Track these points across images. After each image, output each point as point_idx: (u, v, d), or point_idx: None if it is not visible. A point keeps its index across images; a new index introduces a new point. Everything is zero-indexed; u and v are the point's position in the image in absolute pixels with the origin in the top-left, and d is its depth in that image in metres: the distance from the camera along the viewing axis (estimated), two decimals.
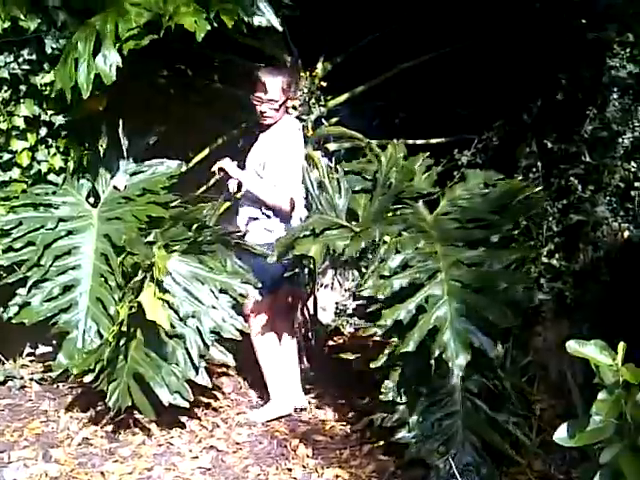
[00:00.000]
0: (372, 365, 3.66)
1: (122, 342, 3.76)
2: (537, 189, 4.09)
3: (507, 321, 3.45)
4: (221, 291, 3.94)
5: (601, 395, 1.94)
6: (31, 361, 4.58)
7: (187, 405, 3.85)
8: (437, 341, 3.37)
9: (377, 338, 4.87)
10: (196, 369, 3.85)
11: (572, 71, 4.33)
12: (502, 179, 4.07)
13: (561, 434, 1.97)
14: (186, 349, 3.85)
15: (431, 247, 3.63)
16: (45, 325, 4.11)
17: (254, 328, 4.12)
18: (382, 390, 3.63)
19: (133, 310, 3.62)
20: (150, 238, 3.94)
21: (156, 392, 3.77)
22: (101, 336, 3.96)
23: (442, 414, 3.58)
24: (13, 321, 4.05)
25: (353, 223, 3.92)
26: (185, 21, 3.69)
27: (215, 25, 3.72)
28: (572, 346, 1.98)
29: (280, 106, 4.06)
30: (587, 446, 1.97)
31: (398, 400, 3.62)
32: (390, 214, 3.92)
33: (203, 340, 3.87)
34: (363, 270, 3.80)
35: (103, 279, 4.04)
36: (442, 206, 3.95)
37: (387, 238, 3.69)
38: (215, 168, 4.13)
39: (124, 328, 3.64)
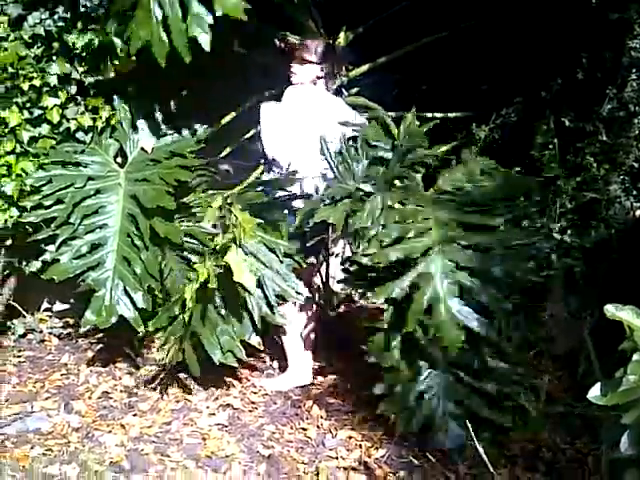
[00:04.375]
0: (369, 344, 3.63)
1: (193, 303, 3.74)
2: (536, 180, 4.06)
3: (499, 304, 3.36)
4: (285, 255, 4.01)
5: (636, 356, 2.04)
6: (49, 316, 4.66)
7: (236, 365, 3.93)
8: (433, 321, 3.33)
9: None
10: (256, 330, 3.94)
11: (593, 51, 4.40)
12: (495, 168, 3.88)
13: (595, 393, 2.07)
14: (247, 311, 3.91)
15: (426, 223, 3.54)
16: (63, 282, 4.11)
17: None
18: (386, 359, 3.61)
19: (219, 270, 3.64)
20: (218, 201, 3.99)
21: (208, 351, 3.82)
22: (127, 294, 3.98)
23: (424, 386, 3.56)
24: (43, 277, 4.06)
25: None
26: None
27: None
28: (610, 310, 2.08)
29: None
30: (602, 410, 2.07)
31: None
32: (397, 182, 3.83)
33: (268, 303, 3.96)
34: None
35: (130, 239, 4.04)
36: (440, 184, 3.83)
37: (396, 205, 3.63)
38: None
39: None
